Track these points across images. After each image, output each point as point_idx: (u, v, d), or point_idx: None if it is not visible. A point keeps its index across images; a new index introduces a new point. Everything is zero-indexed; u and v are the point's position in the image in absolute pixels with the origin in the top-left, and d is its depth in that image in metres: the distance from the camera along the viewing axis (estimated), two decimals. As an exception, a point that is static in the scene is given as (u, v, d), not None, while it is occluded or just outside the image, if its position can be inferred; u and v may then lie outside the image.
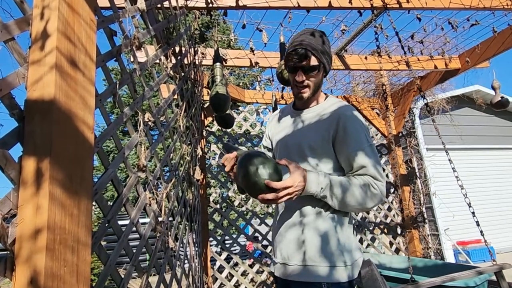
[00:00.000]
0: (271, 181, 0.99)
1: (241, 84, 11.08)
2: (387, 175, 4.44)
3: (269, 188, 1.00)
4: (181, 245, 1.55)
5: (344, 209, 1.15)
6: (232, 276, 3.48)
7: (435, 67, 3.50)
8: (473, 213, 1.86)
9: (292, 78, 1.26)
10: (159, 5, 1.52)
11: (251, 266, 4.61)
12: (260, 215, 3.73)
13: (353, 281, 1.15)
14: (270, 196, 1.01)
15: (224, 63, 2.62)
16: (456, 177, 1.82)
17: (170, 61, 1.58)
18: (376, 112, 4.52)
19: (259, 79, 4.97)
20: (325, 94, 1.36)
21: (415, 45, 3.32)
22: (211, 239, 3.28)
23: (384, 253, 4.12)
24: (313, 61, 1.20)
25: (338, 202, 1.13)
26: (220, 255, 3.78)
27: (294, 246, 1.18)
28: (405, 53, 1.88)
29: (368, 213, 4.22)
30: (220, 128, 3.21)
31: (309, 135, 1.26)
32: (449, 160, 1.85)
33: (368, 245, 4.07)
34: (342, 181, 1.14)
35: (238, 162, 1.08)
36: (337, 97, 3.52)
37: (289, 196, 1.05)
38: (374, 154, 1.17)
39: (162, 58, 1.45)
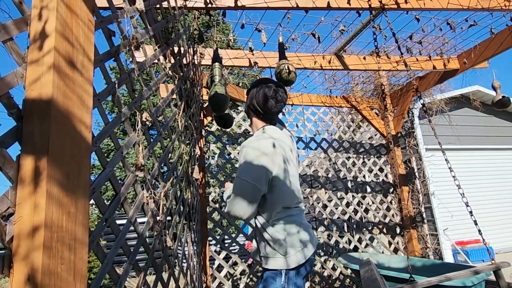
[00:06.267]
0: None
1: (240, 84, 11.06)
2: (386, 175, 4.44)
3: None
4: (179, 244, 1.56)
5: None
6: (231, 275, 3.49)
7: (434, 67, 3.50)
8: (470, 212, 1.87)
9: None
10: (158, 5, 1.53)
11: (250, 265, 4.61)
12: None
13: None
14: None
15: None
16: (453, 176, 1.82)
17: (169, 61, 1.58)
18: (375, 112, 4.53)
19: (258, 79, 4.96)
20: (263, 128, 1.63)
21: (413, 45, 3.32)
22: (210, 238, 3.29)
23: (383, 252, 4.13)
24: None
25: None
26: (219, 254, 3.79)
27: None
28: (402, 54, 1.88)
29: (367, 212, 4.23)
30: (219, 127, 3.21)
31: None
32: (446, 160, 1.85)
33: (366, 245, 4.08)
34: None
35: None
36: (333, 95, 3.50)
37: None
38: (237, 186, 1.45)
39: (161, 58, 1.45)
